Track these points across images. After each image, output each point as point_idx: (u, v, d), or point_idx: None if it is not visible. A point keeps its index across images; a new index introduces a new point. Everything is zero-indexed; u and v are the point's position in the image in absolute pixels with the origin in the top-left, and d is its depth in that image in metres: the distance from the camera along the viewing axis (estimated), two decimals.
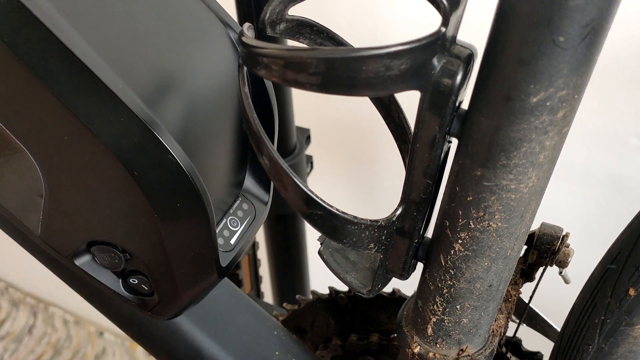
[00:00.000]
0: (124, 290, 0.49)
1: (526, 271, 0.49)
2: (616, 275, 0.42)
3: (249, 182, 0.51)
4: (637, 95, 0.91)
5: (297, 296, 0.67)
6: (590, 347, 0.44)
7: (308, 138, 0.99)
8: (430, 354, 0.44)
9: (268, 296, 1.12)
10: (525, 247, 0.49)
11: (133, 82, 0.39)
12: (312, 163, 1.03)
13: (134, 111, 0.37)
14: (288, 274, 1.08)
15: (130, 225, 0.43)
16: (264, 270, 1.04)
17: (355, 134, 1.16)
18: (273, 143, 0.50)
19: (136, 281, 0.48)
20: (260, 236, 1.01)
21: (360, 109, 1.10)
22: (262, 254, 1.03)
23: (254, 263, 0.99)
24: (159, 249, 0.43)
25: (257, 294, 1.04)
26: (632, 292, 0.40)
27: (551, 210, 0.97)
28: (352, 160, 1.23)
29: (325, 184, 1.22)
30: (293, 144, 0.95)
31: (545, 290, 0.55)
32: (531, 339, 0.63)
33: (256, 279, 1.01)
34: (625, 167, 0.97)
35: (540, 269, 0.49)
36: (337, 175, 1.25)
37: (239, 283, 0.95)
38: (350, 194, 1.27)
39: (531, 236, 0.48)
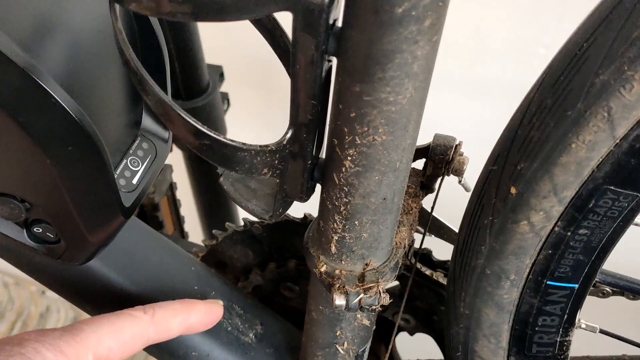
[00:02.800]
0: (29, 240, 0.48)
1: (425, 183, 0.51)
2: (498, 176, 0.44)
3: (147, 121, 0.51)
4: (540, 3, 0.93)
5: (213, 231, 0.68)
6: (483, 247, 0.46)
7: (221, 75, 0.98)
8: (337, 271, 0.46)
9: (195, 236, 1.12)
10: (423, 160, 0.50)
11: (9, 29, 0.38)
12: (228, 100, 1.02)
13: (11, 58, 0.37)
14: (215, 212, 1.08)
15: (24, 174, 0.43)
16: (186, 211, 1.04)
17: (271, 68, 1.15)
18: (165, 81, 0.50)
19: (40, 230, 0.47)
20: (178, 177, 1.01)
21: None
22: (182, 194, 1.02)
23: (174, 204, 0.98)
24: (58, 195, 0.43)
25: (182, 234, 1.04)
26: (513, 190, 0.42)
27: (468, 126, 0.99)
28: (270, 94, 1.22)
29: (245, 120, 1.21)
30: (206, 83, 0.93)
31: (451, 201, 0.57)
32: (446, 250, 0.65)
33: (178, 220, 1.01)
34: (535, 77, 0.99)
35: (439, 180, 0.51)
36: (256, 110, 1.25)
37: (159, 225, 0.94)
38: (272, 128, 1.27)
39: (426, 149, 0.49)
